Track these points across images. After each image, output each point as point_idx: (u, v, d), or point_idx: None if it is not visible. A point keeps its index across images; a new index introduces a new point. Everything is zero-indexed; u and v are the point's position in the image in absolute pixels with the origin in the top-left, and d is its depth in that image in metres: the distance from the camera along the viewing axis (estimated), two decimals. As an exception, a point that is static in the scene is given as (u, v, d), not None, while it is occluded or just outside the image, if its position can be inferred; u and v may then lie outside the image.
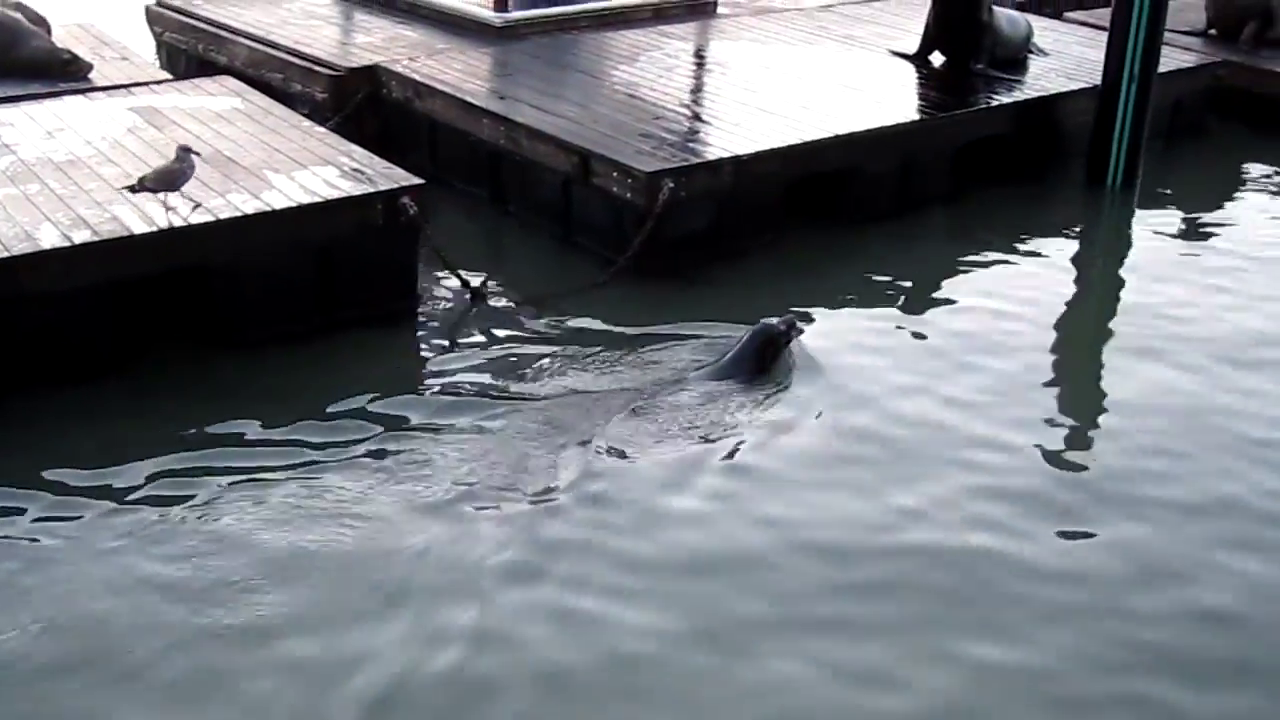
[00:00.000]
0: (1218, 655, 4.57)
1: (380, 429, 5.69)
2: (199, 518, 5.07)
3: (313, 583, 4.76)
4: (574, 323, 6.71)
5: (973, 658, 4.49)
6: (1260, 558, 5.08)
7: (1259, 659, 4.58)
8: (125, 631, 4.50)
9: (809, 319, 6.69)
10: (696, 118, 8.11)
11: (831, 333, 6.70)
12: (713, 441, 5.68)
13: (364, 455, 5.50)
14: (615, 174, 7.22)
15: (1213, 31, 10.72)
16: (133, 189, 6.17)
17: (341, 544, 4.97)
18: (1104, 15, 10.50)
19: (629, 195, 7.17)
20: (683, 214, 7.19)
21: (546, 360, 6.33)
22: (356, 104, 8.59)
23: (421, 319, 6.70)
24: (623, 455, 5.56)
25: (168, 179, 6.19)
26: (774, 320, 6.26)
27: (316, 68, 8.81)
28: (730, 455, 5.61)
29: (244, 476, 5.34)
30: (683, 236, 7.26)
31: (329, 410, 5.81)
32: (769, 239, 7.60)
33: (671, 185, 7.03)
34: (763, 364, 6.13)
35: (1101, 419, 6.11)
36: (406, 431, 5.68)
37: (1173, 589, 4.90)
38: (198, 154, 6.33)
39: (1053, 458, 5.73)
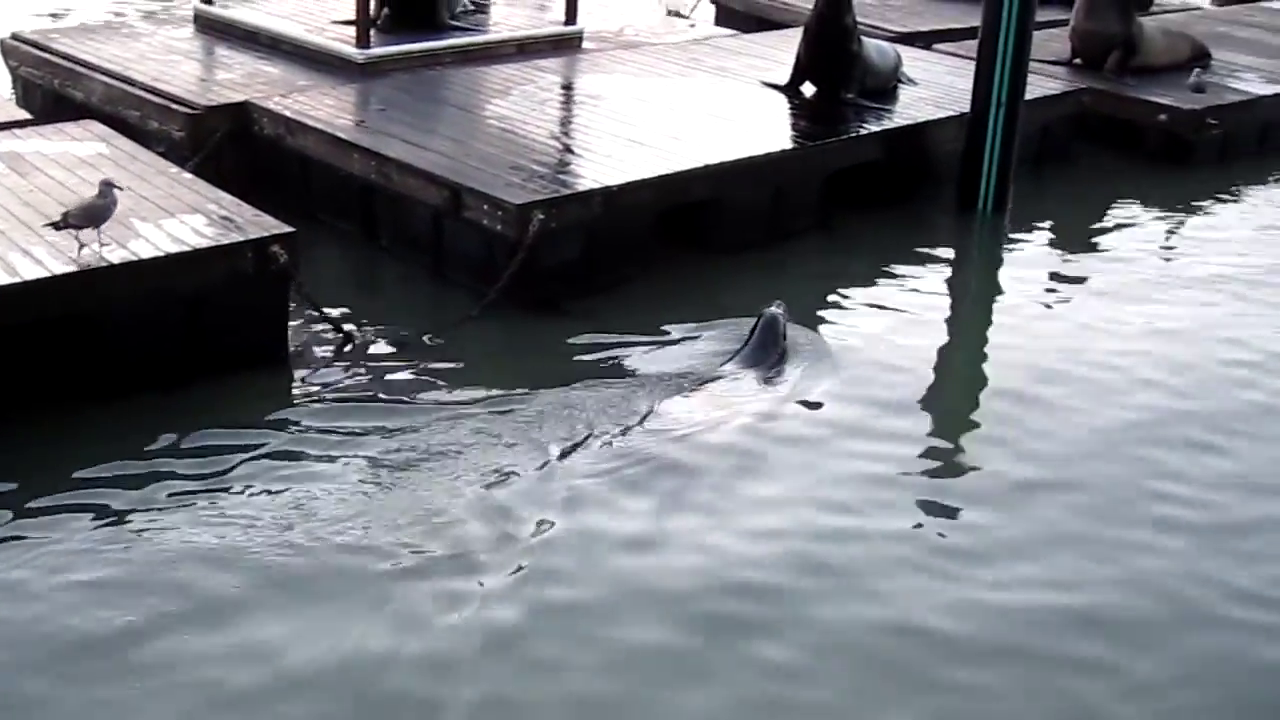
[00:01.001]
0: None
1: (254, 476, 5.55)
2: (72, 564, 4.90)
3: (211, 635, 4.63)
4: (449, 355, 6.65)
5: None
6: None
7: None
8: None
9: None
10: (568, 150, 8.07)
11: (706, 359, 6.75)
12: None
13: (240, 502, 5.36)
14: (486, 206, 7.16)
15: (1077, 61, 10.95)
16: (56, 225, 6.01)
17: (231, 589, 4.85)
18: (972, 47, 10.76)
19: (500, 227, 7.11)
20: (554, 245, 7.15)
21: (423, 394, 6.26)
22: (216, 142, 8.38)
23: (295, 364, 6.56)
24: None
25: (93, 214, 6.06)
26: (775, 308, 6.82)
27: (173, 105, 8.58)
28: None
29: (115, 524, 5.17)
30: (555, 267, 7.21)
31: (202, 459, 5.66)
32: (641, 269, 7.58)
33: (542, 217, 6.99)
34: (781, 346, 6.78)
35: (978, 434, 6.30)
36: (284, 476, 5.56)
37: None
38: (120, 188, 6.20)
39: (934, 470, 5.90)
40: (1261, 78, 11.22)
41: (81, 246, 6.00)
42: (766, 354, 6.73)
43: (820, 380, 6.63)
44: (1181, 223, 9.30)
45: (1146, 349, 7.13)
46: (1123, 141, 10.34)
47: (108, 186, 6.10)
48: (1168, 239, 9.03)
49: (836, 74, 9.43)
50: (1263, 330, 7.48)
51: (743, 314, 7.16)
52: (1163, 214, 9.42)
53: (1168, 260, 8.64)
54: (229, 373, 6.26)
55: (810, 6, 9.66)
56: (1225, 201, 9.69)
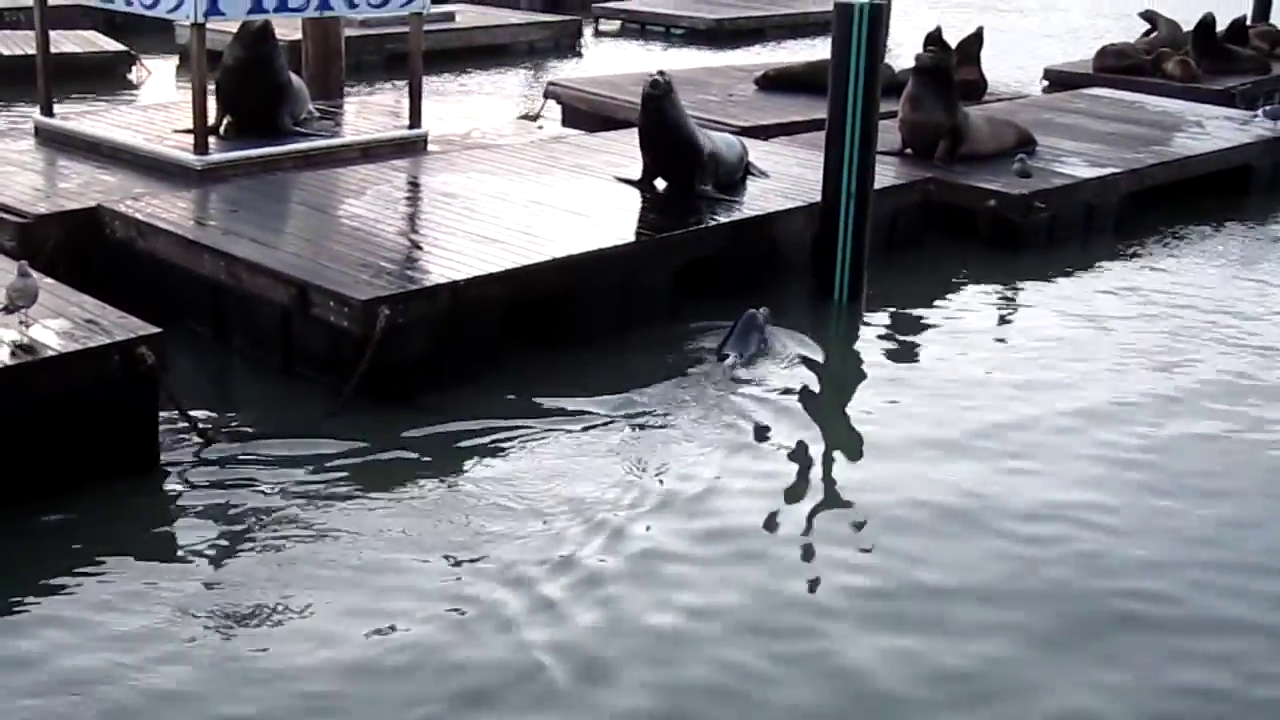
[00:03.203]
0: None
1: (134, 583, 5.52)
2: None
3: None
4: (311, 454, 6.68)
5: None
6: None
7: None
8: None
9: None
10: (417, 246, 8.17)
11: (555, 451, 6.88)
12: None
13: (118, 614, 5.32)
14: (332, 303, 7.21)
15: (909, 151, 11.36)
16: (7, 309, 6.05)
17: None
18: (810, 139, 11.16)
19: (347, 324, 7.16)
20: (402, 340, 7.21)
21: (296, 492, 6.32)
22: (50, 250, 8.27)
23: (165, 468, 6.49)
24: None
25: (31, 294, 6.12)
26: (756, 310, 8.21)
27: (3, 215, 8.49)
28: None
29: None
30: (404, 362, 7.27)
31: (78, 576, 5.57)
32: (493, 362, 7.67)
33: (388, 312, 7.05)
34: (757, 340, 8.19)
35: (842, 519, 6.46)
36: (164, 584, 5.55)
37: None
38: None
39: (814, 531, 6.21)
40: (1084, 161, 11.80)
41: (27, 326, 6.09)
42: (746, 344, 8.05)
43: (778, 379, 7.83)
44: (1014, 303, 9.69)
45: (1001, 423, 7.45)
46: (959, 228, 10.70)
47: (26, 265, 6.17)
48: (1007, 319, 9.42)
49: (682, 170, 9.67)
50: (1094, 393, 7.94)
51: (586, 408, 7.36)
52: (1002, 295, 9.79)
53: (1008, 339, 9.01)
54: (98, 479, 6.18)
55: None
56: (1054, 280, 10.13)
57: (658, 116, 9.58)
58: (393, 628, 5.33)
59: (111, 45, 17.19)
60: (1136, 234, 11.38)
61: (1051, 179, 11.14)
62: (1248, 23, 19.47)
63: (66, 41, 16.44)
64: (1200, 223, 11.93)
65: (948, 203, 10.81)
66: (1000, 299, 9.77)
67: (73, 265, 8.15)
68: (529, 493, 6.39)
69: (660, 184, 9.86)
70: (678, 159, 9.69)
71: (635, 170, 10.04)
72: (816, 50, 18.92)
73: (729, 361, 7.96)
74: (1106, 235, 11.31)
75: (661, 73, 9.67)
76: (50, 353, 6.09)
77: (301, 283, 7.38)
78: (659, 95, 9.51)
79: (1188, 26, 18.66)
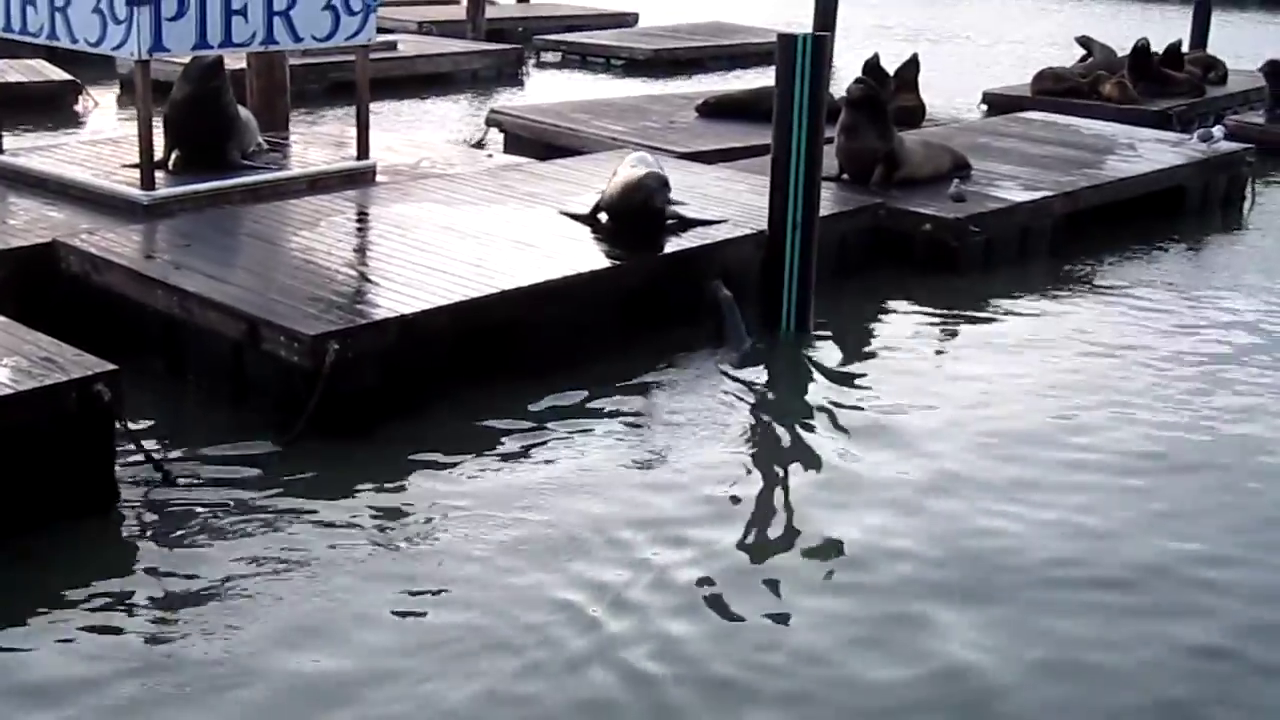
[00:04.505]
0: None
1: (97, 631, 5.53)
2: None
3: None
4: (268, 489, 6.75)
5: None
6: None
7: None
8: None
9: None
10: (367, 279, 8.28)
11: (508, 480, 7.00)
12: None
13: (74, 664, 5.30)
14: (282, 338, 7.30)
15: (845, 176, 11.45)
16: None
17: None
18: (751, 164, 11.31)
19: (296, 359, 7.25)
20: (352, 374, 7.31)
21: (253, 527, 6.39)
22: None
23: (123, 506, 6.52)
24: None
25: None
26: (718, 288, 8.80)
27: (-59, 254, 8.51)
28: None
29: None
30: (355, 395, 7.36)
31: (36, 621, 5.58)
32: (445, 393, 7.78)
33: (337, 346, 7.16)
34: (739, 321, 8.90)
35: (788, 556, 6.53)
36: (129, 628, 5.57)
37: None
38: None
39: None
40: (1019, 185, 12.03)
41: None
42: (740, 331, 8.76)
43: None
44: (957, 327, 9.83)
45: (956, 456, 7.54)
46: (904, 253, 10.79)
47: None
48: (950, 345, 9.54)
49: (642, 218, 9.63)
50: (1040, 413, 8.17)
51: (547, 429, 7.49)
52: (944, 320, 9.89)
53: (951, 365, 9.10)
54: (56, 519, 6.19)
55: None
56: (993, 302, 10.32)
57: (656, 218, 9.54)
58: (358, 660, 5.39)
59: (58, 74, 17.17)
60: (1072, 255, 11.61)
61: (986, 202, 11.33)
62: (1183, 49, 19.97)
63: (12, 70, 16.43)
64: (1135, 244, 12.22)
65: (890, 228, 10.94)
66: (943, 324, 9.84)
67: (19, 302, 8.19)
68: (484, 521, 6.48)
69: (605, 216, 9.83)
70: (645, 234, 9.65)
71: (581, 202, 10.06)
72: (757, 80, 19.15)
73: (745, 346, 8.80)
74: (1042, 257, 11.52)
75: (664, 183, 9.57)
76: (4, 391, 6.11)
77: (252, 318, 7.47)
78: (660, 209, 9.50)
79: (1122, 52, 19.11)
